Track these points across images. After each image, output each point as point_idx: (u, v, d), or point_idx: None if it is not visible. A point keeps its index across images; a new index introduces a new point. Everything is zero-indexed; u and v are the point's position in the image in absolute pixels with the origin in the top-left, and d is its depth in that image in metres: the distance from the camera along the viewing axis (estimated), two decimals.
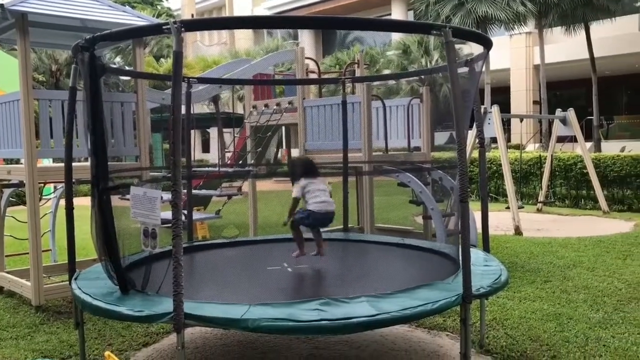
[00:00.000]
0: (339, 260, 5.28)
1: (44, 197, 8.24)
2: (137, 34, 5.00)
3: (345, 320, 3.06)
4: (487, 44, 3.98)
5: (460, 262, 3.53)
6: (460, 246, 3.48)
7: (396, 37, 25.33)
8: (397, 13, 32.41)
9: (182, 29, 3.05)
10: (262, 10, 38.48)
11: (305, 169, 4.87)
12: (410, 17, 31.21)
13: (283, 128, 13.34)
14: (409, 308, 3.20)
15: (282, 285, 4.33)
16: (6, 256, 6.58)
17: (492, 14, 20.04)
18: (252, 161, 9.78)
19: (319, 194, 4.64)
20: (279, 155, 25.06)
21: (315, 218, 4.66)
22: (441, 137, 26.59)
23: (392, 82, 24.05)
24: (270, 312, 3.15)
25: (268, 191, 17.81)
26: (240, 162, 10.33)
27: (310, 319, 3.07)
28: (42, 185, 7.66)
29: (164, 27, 3.08)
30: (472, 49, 19.20)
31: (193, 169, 8.25)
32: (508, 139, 20.52)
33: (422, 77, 22.26)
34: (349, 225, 6.45)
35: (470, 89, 4.39)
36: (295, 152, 27.10)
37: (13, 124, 5.73)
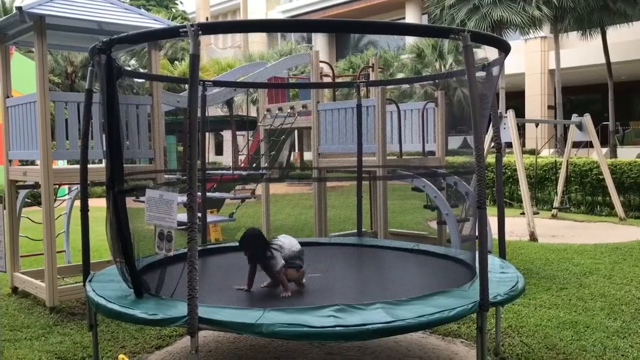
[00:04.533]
0: (353, 266, 5.25)
1: (58, 198, 8.29)
2: (154, 37, 5.01)
3: (360, 327, 3.03)
4: (505, 49, 3.94)
5: (477, 268, 3.49)
6: (476, 252, 3.44)
7: (410, 40, 25.23)
8: (411, 17, 32.34)
9: (199, 32, 3.05)
10: (276, 14, 38.59)
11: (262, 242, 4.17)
12: (424, 20, 31.12)
13: (295, 131, 13.34)
14: (425, 315, 3.16)
15: (297, 291, 4.30)
16: (21, 257, 6.60)
17: (507, 18, 19.90)
18: (266, 164, 9.79)
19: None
20: (292, 158, 25.10)
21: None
22: (455, 142, 26.49)
23: (406, 85, 23.99)
24: (285, 317, 3.13)
25: (281, 194, 17.82)
26: (254, 165, 10.35)
27: (325, 325, 3.04)
28: (57, 186, 7.71)
29: (181, 30, 3.08)
30: (486, 53, 19.05)
31: (207, 172, 8.26)
32: (523, 144, 20.36)
33: (437, 81, 22.20)
34: (362, 230, 6.42)
35: (488, 94, 4.35)
36: (308, 156, 27.11)
37: (29, 125, 5.76)
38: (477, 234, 3.54)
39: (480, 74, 4.28)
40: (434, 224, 9.69)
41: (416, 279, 4.64)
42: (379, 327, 3.04)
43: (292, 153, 24.53)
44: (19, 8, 5.25)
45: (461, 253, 4.97)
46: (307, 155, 26.34)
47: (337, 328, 3.02)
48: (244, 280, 4.17)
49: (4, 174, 6.39)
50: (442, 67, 23.25)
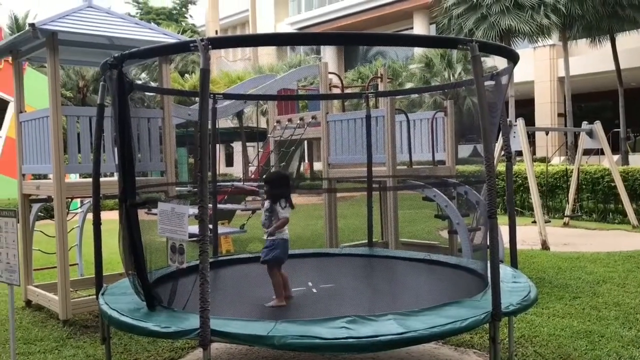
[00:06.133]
0: (364, 277, 5.24)
1: (70, 211, 8.35)
2: (165, 52, 5.07)
3: (372, 339, 3.02)
4: (514, 58, 3.95)
5: (489, 278, 3.48)
6: (488, 262, 3.43)
7: (419, 50, 25.26)
8: (419, 27, 32.41)
9: (209, 46, 3.08)
10: (284, 26, 38.82)
11: (286, 183, 4.44)
12: (432, 30, 31.18)
13: (305, 142, 13.38)
14: (437, 326, 3.16)
15: (307, 302, 4.30)
16: (34, 270, 6.65)
17: (515, 27, 19.91)
18: None
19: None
20: (301, 169, 25.14)
21: (287, 248, 4.29)
22: (465, 150, 26.42)
23: (415, 95, 24.00)
24: (296, 329, 3.13)
25: None
26: (264, 176, 10.37)
27: (337, 336, 3.05)
28: (70, 200, 7.78)
29: (191, 45, 3.12)
30: (495, 61, 19.05)
31: (218, 184, 8.29)
32: (533, 152, 20.27)
33: (446, 90, 22.18)
34: (373, 240, 6.41)
35: (497, 103, 4.35)
36: (317, 166, 27.08)
37: (42, 140, 5.82)
38: (488, 243, 3.53)
39: (489, 83, 4.30)
40: (445, 234, 9.66)
41: (427, 290, 4.63)
42: (391, 338, 3.04)
43: (302, 164, 24.57)
44: (32, 24, 5.32)
45: (473, 263, 4.96)
46: (317, 166, 26.38)
47: (349, 340, 3.02)
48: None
49: (17, 188, 6.46)
50: (451, 76, 23.25)
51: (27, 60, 7.07)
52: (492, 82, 4.37)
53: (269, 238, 4.23)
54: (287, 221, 4.20)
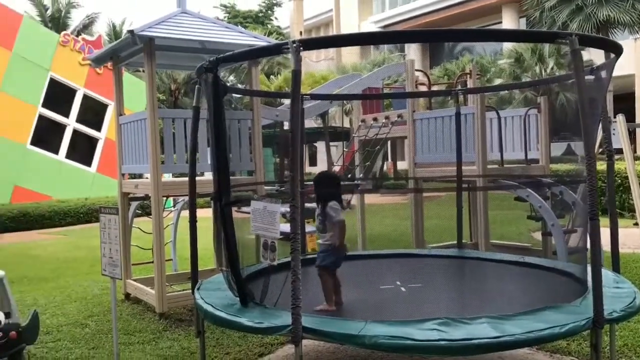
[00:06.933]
0: (454, 279, 5.14)
1: (165, 209, 8.72)
2: (258, 55, 5.18)
3: (465, 342, 2.96)
4: (618, 51, 3.73)
5: (590, 283, 3.31)
6: (588, 266, 3.26)
7: (508, 45, 24.43)
8: (508, 21, 31.31)
9: (301, 48, 3.12)
10: (368, 25, 38.72)
11: (335, 183, 4.29)
12: (522, 24, 30.06)
13: (388, 141, 13.29)
14: (535, 331, 3.04)
15: (397, 303, 4.26)
16: (132, 265, 7.00)
17: (614, 17, 18.82)
18: (361, 175, 9.82)
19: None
20: (385, 168, 25.01)
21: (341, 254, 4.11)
22: (558, 149, 25.27)
23: (504, 91, 23.25)
24: (388, 329, 3.11)
25: (373, 204, 17.72)
26: (349, 175, 10.40)
27: (429, 338, 3.00)
28: (164, 198, 8.13)
29: (283, 47, 3.17)
30: (591, 54, 18.10)
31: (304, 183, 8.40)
32: (634, 150, 19.11)
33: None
34: (462, 241, 6.27)
35: (598, 98, 4.13)
36: (402, 165, 26.80)
37: (140, 141, 6.11)
38: (587, 246, 3.36)
39: (589, 77, 4.08)
40: (537, 235, 9.29)
41: (521, 293, 4.46)
42: (485, 342, 2.96)
43: (385, 163, 24.44)
44: (131, 31, 5.60)
45: (570, 266, 4.73)
46: (401, 165, 26.14)
47: (441, 342, 2.97)
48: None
49: (117, 187, 6.82)
50: (543, 72, 22.32)
51: (125, 65, 7.44)
52: (592, 77, 4.16)
53: (324, 242, 4.08)
54: (344, 224, 4.03)
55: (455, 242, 6.42)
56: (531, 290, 4.56)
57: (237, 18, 40.80)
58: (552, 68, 22.06)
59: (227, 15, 41.98)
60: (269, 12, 43.54)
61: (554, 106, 21.18)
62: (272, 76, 29.13)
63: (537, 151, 7.58)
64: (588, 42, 3.52)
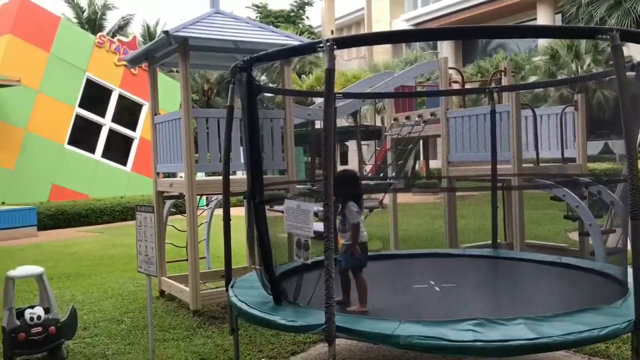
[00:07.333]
0: (489, 279, 5.07)
1: (199, 207, 8.82)
2: (292, 54, 5.20)
3: (502, 343, 2.91)
4: None
5: (630, 284, 3.23)
6: (628, 267, 3.19)
7: (543, 41, 23.95)
8: (543, 17, 30.74)
9: (334, 47, 3.11)
10: (400, 23, 38.48)
11: (353, 183, 4.23)
12: (557, 20, 29.49)
13: (420, 140, 13.20)
14: (573, 333, 2.98)
15: (431, 303, 4.23)
16: (167, 262, 7.09)
17: None
18: (393, 174, 9.77)
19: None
20: (417, 167, 24.80)
21: (366, 251, 4.09)
22: (595, 147, 24.71)
23: (539, 89, 22.84)
24: (422, 329, 3.09)
25: (406, 203, 17.62)
26: (381, 174, 10.36)
27: (464, 339, 2.96)
28: (198, 197, 8.22)
29: (317, 46, 3.17)
30: (630, 50, 17.64)
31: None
32: None
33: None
34: (497, 241, 6.18)
35: (638, 95, 4.03)
36: (434, 164, 26.54)
37: (174, 140, 6.19)
38: (627, 246, 3.28)
39: (629, 74, 3.98)
40: (574, 235, 9.11)
41: (558, 294, 4.38)
42: (522, 343, 2.91)
43: (417, 162, 24.24)
44: (166, 32, 5.67)
45: (609, 267, 4.62)
46: (433, 164, 25.88)
47: (477, 343, 2.93)
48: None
49: (152, 186, 6.92)
50: (579, 69, 21.85)
51: (160, 65, 7.54)
52: (632, 73, 4.06)
53: (346, 243, 4.04)
54: (358, 228, 3.97)
55: (489, 242, 6.34)
56: (568, 291, 4.47)
57: (269, 18, 41.01)
58: (588, 65, 21.56)
59: (258, 15, 42.23)
60: (301, 11, 43.64)
61: (590, 104, 20.73)
62: (303, 75, 29.19)
63: (573, 149, 7.43)
64: (630, 38, 3.43)
